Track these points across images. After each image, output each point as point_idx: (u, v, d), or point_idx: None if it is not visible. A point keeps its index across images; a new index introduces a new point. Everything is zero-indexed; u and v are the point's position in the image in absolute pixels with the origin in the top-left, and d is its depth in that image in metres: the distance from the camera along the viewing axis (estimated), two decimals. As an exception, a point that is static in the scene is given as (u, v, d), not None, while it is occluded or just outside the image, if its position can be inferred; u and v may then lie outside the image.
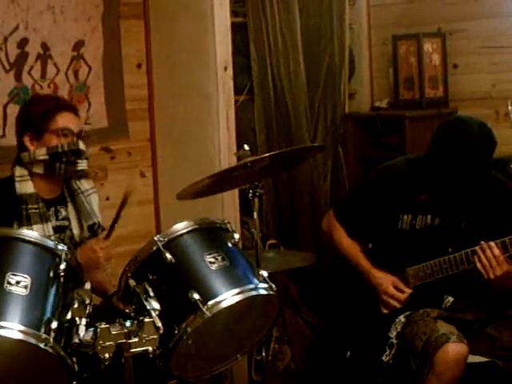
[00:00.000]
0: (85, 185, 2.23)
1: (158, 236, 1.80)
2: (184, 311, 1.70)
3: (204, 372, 1.85)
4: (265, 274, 1.84)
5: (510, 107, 3.09)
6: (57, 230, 2.13)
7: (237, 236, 1.89)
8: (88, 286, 1.73)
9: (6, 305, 1.54)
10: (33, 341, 1.52)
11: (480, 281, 2.17)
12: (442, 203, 2.27)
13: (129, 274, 1.79)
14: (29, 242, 1.66)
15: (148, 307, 1.66)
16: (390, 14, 3.56)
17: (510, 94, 3.14)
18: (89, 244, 2.10)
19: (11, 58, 2.58)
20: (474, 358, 2.15)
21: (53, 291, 1.62)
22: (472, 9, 3.28)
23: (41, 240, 1.68)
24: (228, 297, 1.71)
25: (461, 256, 2.19)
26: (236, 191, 2.72)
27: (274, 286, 1.83)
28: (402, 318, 2.21)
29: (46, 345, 1.52)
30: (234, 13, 2.97)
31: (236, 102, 2.92)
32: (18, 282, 1.57)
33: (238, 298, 1.72)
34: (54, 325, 1.55)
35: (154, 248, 1.78)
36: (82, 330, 1.59)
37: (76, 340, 1.58)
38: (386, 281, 2.27)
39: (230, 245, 1.87)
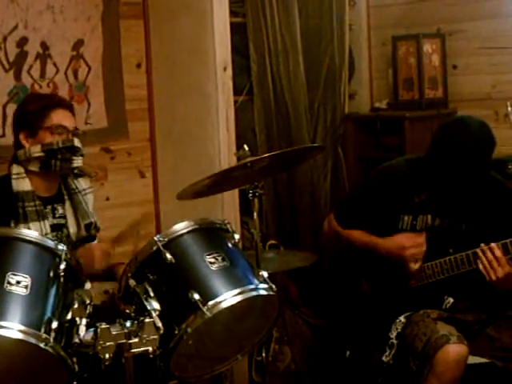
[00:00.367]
0: (82, 184, 2.24)
1: (158, 236, 1.79)
2: (184, 311, 1.70)
3: (204, 372, 1.85)
4: (265, 274, 1.84)
5: (509, 108, 3.08)
6: (54, 228, 2.13)
7: (237, 236, 1.89)
8: (88, 285, 1.73)
9: (7, 305, 1.54)
10: (33, 341, 1.51)
11: (480, 282, 2.17)
12: (442, 204, 2.27)
13: (129, 274, 1.78)
14: (29, 241, 1.66)
15: (148, 307, 1.66)
16: (389, 15, 3.56)
17: (510, 95, 3.14)
18: (89, 248, 2.09)
19: (10, 58, 2.58)
20: (473, 359, 2.15)
21: (53, 291, 1.62)
22: (471, 10, 3.28)
23: (41, 240, 1.68)
24: (228, 297, 1.71)
25: (462, 257, 2.19)
26: (236, 191, 2.71)
27: (274, 286, 1.83)
28: (402, 318, 2.21)
29: (46, 345, 1.52)
30: (233, 13, 2.96)
31: (235, 102, 2.91)
32: (18, 282, 1.57)
33: (238, 299, 1.72)
34: (55, 325, 1.55)
35: (154, 248, 1.78)
36: (82, 330, 1.59)
37: (76, 340, 1.58)
38: (398, 240, 2.25)
39: (230, 245, 1.87)
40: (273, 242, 3.02)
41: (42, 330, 1.53)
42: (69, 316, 1.61)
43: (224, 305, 1.70)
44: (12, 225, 2.03)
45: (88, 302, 1.64)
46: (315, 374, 2.93)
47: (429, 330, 2.10)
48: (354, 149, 3.52)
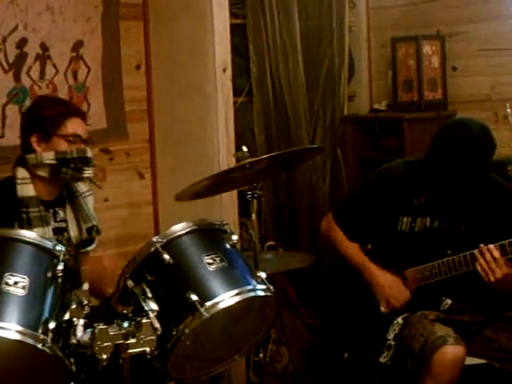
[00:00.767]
0: (82, 187, 2.23)
1: (157, 237, 1.80)
2: (182, 312, 1.70)
3: (202, 373, 1.85)
4: (263, 275, 1.84)
5: (508, 110, 3.09)
6: (55, 231, 2.12)
7: (235, 237, 1.89)
8: (86, 286, 1.73)
9: (4, 305, 1.54)
10: (30, 341, 1.51)
11: (478, 283, 2.17)
12: (441, 206, 2.27)
13: (127, 275, 1.79)
14: (27, 242, 1.66)
15: (146, 308, 1.66)
16: (389, 17, 3.56)
17: (509, 97, 3.14)
18: (106, 259, 2.10)
19: (10, 59, 2.58)
20: (471, 360, 2.15)
21: (51, 292, 1.62)
22: (471, 11, 3.28)
23: (39, 241, 1.68)
24: (226, 298, 1.71)
25: (460, 258, 2.20)
26: (235, 192, 2.72)
27: (271, 287, 1.83)
28: (399, 319, 2.21)
29: (43, 345, 1.52)
30: (233, 14, 2.97)
31: (235, 103, 2.92)
32: (15, 283, 1.57)
33: (235, 299, 1.72)
34: (52, 325, 1.55)
35: (153, 249, 1.78)
36: (79, 331, 1.59)
37: (74, 341, 1.58)
38: (386, 284, 2.26)
39: (228, 246, 1.87)
40: (271, 243, 3.02)
41: (40, 330, 1.53)
42: (66, 317, 1.62)
43: (222, 305, 1.70)
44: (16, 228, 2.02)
45: (86, 302, 1.64)
46: (313, 374, 2.93)
47: (426, 332, 2.10)
48: (353, 150, 3.52)
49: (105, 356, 1.59)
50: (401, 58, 3.37)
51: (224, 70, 2.73)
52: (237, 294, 1.73)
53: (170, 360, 1.71)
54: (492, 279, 2.11)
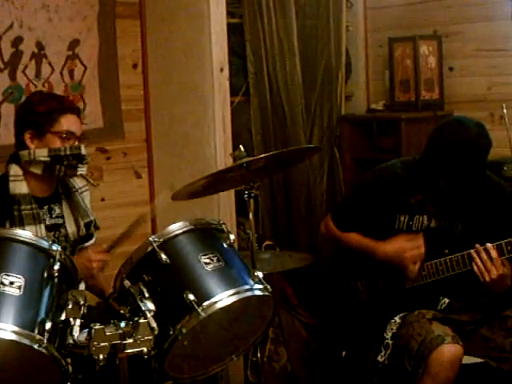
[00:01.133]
0: (78, 182, 2.21)
1: (153, 236, 1.79)
2: (179, 312, 1.69)
3: (200, 373, 1.85)
4: (260, 274, 1.83)
5: (504, 110, 3.09)
6: (51, 228, 2.11)
7: (232, 237, 1.89)
8: (82, 286, 1.72)
9: (0, 305, 1.52)
10: (26, 342, 1.51)
11: (475, 282, 2.17)
12: (438, 204, 2.27)
13: (124, 275, 1.78)
14: (23, 242, 1.65)
15: (143, 308, 1.65)
16: (386, 17, 3.56)
17: (505, 97, 3.14)
18: (87, 253, 2.07)
19: (5, 57, 2.57)
20: (468, 359, 2.15)
21: (47, 292, 1.62)
22: (468, 12, 3.28)
23: (35, 240, 1.67)
24: (223, 297, 1.71)
25: (457, 258, 2.20)
26: (232, 192, 2.71)
27: (269, 286, 1.82)
28: (397, 318, 2.21)
29: (39, 346, 1.51)
30: (230, 13, 2.96)
31: (232, 102, 2.91)
32: (11, 283, 1.56)
33: (233, 299, 1.72)
34: (48, 326, 1.54)
35: (149, 249, 1.77)
36: (76, 331, 1.59)
37: (70, 341, 1.58)
38: (397, 243, 2.25)
39: (225, 245, 1.86)
40: (269, 242, 3.01)
41: (36, 330, 1.53)
42: (63, 317, 1.61)
43: (219, 305, 1.70)
44: (7, 226, 2.00)
45: (82, 302, 1.63)
46: (311, 374, 2.93)
47: (424, 331, 2.10)
48: (350, 150, 3.52)
49: (102, 356, 1.59)
50: (398, 58, 3.37)
51: (221, 70, 2.72)
52: (234, 294, 1.73)
53: (168, 360, 1.70)
54: (488, 279, 2.11)
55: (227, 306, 1.71)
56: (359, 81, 3.66)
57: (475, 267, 2.13)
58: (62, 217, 2.15)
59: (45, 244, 1.67)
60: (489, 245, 2.12)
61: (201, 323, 1.68)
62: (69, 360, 1.59)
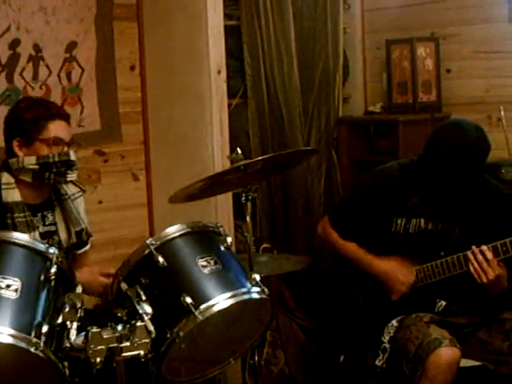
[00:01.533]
0: (71, 189, 2.19)
1: (151, 239, 1.79)
2: (176, 315, 1.69)
3: (197, 376, 1.84)
4: (257, 277, 1.83)
5: (502, 112, 3.09)
6: (44, 235, 2.09)
7: (229, 239, 1.89)
8: (79, 289, 1.72)
9: (-4, 308, 1.52)
10: (23, 345, 1.50)
11: (472, 285, 2.17)
12: (435, 207, 2.27)
13: (121, 278, 1.78)
14: (19, 245, 1.64)
15: (140, 311, 1.65)
16: (383, 19, 3.56)
17: (503, 99, 3.15)
18: (97, 269, 2.07)
19: (3, 59, 2.57)
20: (465, 362, 2.15)
21: (44, 295, 1.61)
22: (465, 14, 3.29)
23: (32, 243, 1.66)
24: (220, 300, 1.71)
25: (453, 260, 2.20)
26: (229, 195, 2.71)
27: (266, 289, 1.82)
28: (394, 322, 2.21)
29: (36, 349, 1.51)
30: (227, 16, 2.96)
31: (229, 105, 2.91)
32: (8, 286, 1.56)
33: (230, 302, 1.72)
34: (45, 329, 1.54)
35: (147, 251, 1.77)
36: (73, 334, 1.58)
37: (67, 344, 1.57)
38: (391, 268, 2.26)
39: (222, 248, 1.86)
40: (266, 245, 3.01)
41: (33, 334, 1.52)
42: (60, 320, 1.60)
43: (216, 308, 1.69)
44: None
45: (79, 305, 1.63)
46: (309, 378, 2.93)
47: (421, 334, 2.10)
48: (347, 152, 3.52)
49: (99, 359, 1.58)
50: (395, 60, 3.38)
51: (218, 72, 2.72)
52: (231, 297, 1.72)
53: (165, 363, 1.70)
54: (484, 280, 2.11)
55: (224, 309, 1.70)
56: (357, 83, 3.66)
57: (472, 268, 2.13)
58: (55, 224, 2.13)
59: (41, 247, 1.67)
60: (484, 246, 2.12)
61: (198, 326, 1.68)
62: (66, 363, 1.59)
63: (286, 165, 2.40)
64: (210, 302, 1.70)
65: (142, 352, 1.62)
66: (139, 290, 1.72)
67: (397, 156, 3.14)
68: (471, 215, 2.26)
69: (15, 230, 1.99)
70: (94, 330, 1.58)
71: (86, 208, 2.26)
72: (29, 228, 2.02)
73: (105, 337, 1.59)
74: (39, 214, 2.10)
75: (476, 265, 2.12)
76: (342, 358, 2.37)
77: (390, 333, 2.19)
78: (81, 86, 2.79)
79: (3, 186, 2.04)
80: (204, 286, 1.74)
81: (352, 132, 3.52)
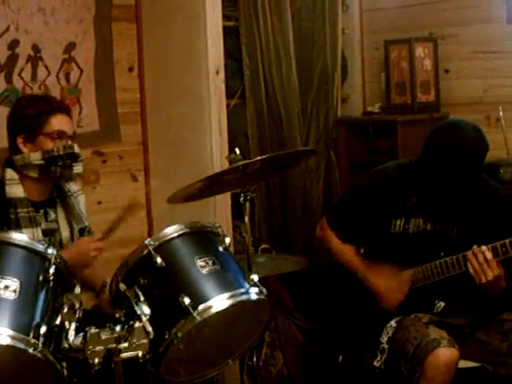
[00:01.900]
0: (73, 186, 2.20)
1: (149, 240, 1.79)
2: (175, 316, 1.69)
3: (195, 377, 1.84)
4: (256, 278, 1.83)
5: (501, 112, 3.10)
6: (46, 233, 2.10)
7: (228, 240, 1.89)
8: (78, 290, 1.72)
9: (-5, 309, 1.52)
10: (21, 346, 1.50)
11: (471, 286, 2.17)
12: (434, 207, 2.27)
13: (119, 278, 1.77)
14: (18, 245, 1.65)
15: (138, 312, 1.65)
16: (382, 19, 3.57)
17: (501, 100, 3.15)
18: (82, 242, 2.07)
19: (1, 60, 2.57)
20: (464, 363, 2.14)
21: (42, 295, 1.61)
22: (463, 14, 3.29)
23: (30, 244, 1.66)
24: (219, 301, 1.71)
25: (452, 260, 2.20)
26: (228, 195, 2.71)
27: (264, 290, 1.82)
28: (393, 323, 2.21)
29: (34, 350, 1.51)
30: (226, 17, 2.96)
31: (228, 105, 2.91)
32: (6, 287, 1.56)
33: (228, 303, 1.72)
34: (43, 329, 1.54)
35: (145, 252, 1.77)
36: (71, 335, 1.58)
37: (65, 345, 1.57)
38: (383, 286, 2.26)
39: (220, 249, 1.86)
40: (265, 245, 3.01)
41: (31, 334, 1.52)
42: (58, 320, 1.60)
43: (214, 309, 1.69)
44: (5, 230, 2.00)
45: (78, 306, 1.63)
46: (307, 378, 2.93)
47: (420, 335, 2.10)
48: (346, 152, 3.53)
49: (97, 360, 1.58)
50: (394, 61, 3.38)
51: (217, 73, 2.72)
52: (230, 297, 1.72)
53: (163, 364, 1.70)
54: (484, 281, 2.11)
55: (223, 309, 1.70)
56: (355, 83, 3.67)
57: (471, 269, 2.13)
58: (57, 221, 2.14)
59: (40, 247, 1.67)
60: (484, 247, 2.12)
61: (196, 327, 1.68)
62: (64, 364, 1.59)
63: (284, 165, 2.40)
64: (209, 303, 1.70)
65: (140, 353, 1.62)
66: (137, 290, 1.72)
67: (395, 156, 3.14)
68: (470, 215, 2.26)
69: (18, 225, 2.00)
70: (93, 330, 1.58)
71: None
72: (31, 224, 2.03)
73: (103, 337, 1.59)
74: (42, 211, 2.11)
75: (476, 265, 2.12)
76: (340, 358, 2.37)
77: (388, 333, 2.19)
78: (79, 87, 2.79)
79: (7, 182, 2.05)
80: (202, 286, 1.74)
81: (350, 132, 3.53)
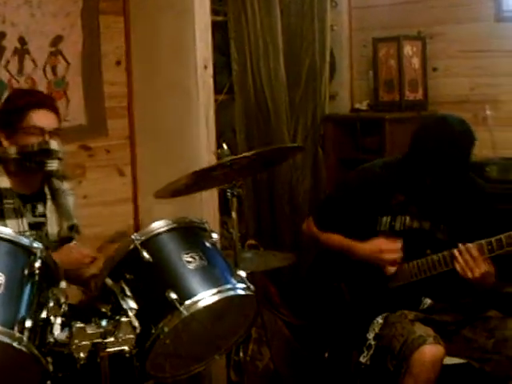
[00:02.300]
0: (65, 184, 2.22)
1: (136, 234, 1.78)
2: (161, 311, 1.68)
3: (182, 372, 1.84)
4: (243, 274, 1.83)
5: (488, 111, 3.11)
6: (33, 226, 2.09)
7: (215, 235, 1.88)
8: (64, 284, 1.70)
9: (-21, 303, 1.51)
10: (6, 340, 1.49)
11: (457, 283, 2.19)
12: (420, 205, 2.28)
13: (105, 273, 1.76)
14: (3, 239, 1.63)
15: (125, 306, 1.64)
16: (371, 17, 3.57)
17: (489, 98, 3.17)
18: (77, 247, 2.07)
19: (-12, 53, 2.54)
20: (450, 360, 2.16)
21: (27, 289, 1.59)
22: (452, 13, 3.30)
23: (15, 237, 1.65)
24: (205, 296, 1.70)
25: (438, 258, 2.21)
26: (215, 190, 2.70)
27: (251, 286, 1.82)
28: (379, 319, 2.21)
29: (19, 344, 1.49)
30: (214, 11, 2.95)
31: (216, 100, 2.90)
32: (-9, 280, 1.54)
33: (215, 298, 1.71)
34: (29, 324, 1.52)
35: (131, 247, 1.76)
36: (56, 329, 1.57)
37: (51, 339, 1.56)
38: (375, 244, 2.26)
39: (207, 244, 1.86)
40: (252, 241, 3.01)
41: (16, 328, 1.51)
42: (43, 315, 1.59)
43: (201, 304, 1.69)
44: None
45: (63, 300, 1.62)
46: (294, 373, 2.93)
47: (406, 331, 2.11)
48: (333, 149, 3.53)
49: (82, 355, 1.57)
50: (382, 59, 3.38)
51: (205, 67, 2.71)
52: (216, 293, 1.72)
53: (149, 359, 1.69)
54: (471, 278, 2.12)
55: (209, 304, 1.70)
56: (343, 80, 3.67)
57: (458, 266, 2.14)
58: (45, 216, 2.13)
59: (25, 241, 1.65)
60: (470, 244, 2.14)
61: (183, 322, 1.68)
62: (49, 358, 1.58)
63: (272, 161, 2.40)
64: (195, 298, 1.69)
65: (126, 348, 1.61)
66: (124, 285, 1.71)
67: (383, 154, 3.15)
68: (456, 213, 2.27)
69: (2, 216, 2.01)
70: (78, 325, 1.58)
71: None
72: (16, 215, 2.03)
73: (89, 332, 1.58)
74: (29, 205, 2.11)
75: (462, 262, 2.13)
76: (326, 354, 2.37)
77: (374, 330, 2.19)
78: (66, 80, 2.77)
79: None
80: (189, 281, 1.74)
81: (338, 129, 3.53)
